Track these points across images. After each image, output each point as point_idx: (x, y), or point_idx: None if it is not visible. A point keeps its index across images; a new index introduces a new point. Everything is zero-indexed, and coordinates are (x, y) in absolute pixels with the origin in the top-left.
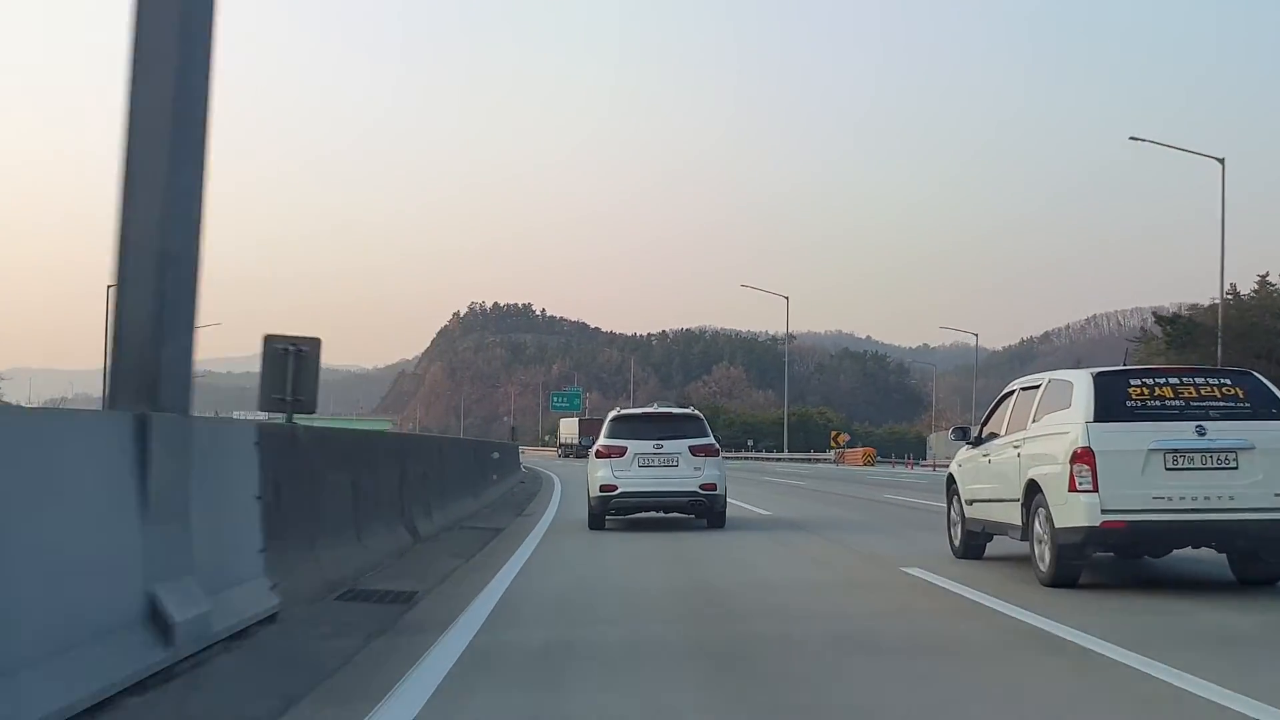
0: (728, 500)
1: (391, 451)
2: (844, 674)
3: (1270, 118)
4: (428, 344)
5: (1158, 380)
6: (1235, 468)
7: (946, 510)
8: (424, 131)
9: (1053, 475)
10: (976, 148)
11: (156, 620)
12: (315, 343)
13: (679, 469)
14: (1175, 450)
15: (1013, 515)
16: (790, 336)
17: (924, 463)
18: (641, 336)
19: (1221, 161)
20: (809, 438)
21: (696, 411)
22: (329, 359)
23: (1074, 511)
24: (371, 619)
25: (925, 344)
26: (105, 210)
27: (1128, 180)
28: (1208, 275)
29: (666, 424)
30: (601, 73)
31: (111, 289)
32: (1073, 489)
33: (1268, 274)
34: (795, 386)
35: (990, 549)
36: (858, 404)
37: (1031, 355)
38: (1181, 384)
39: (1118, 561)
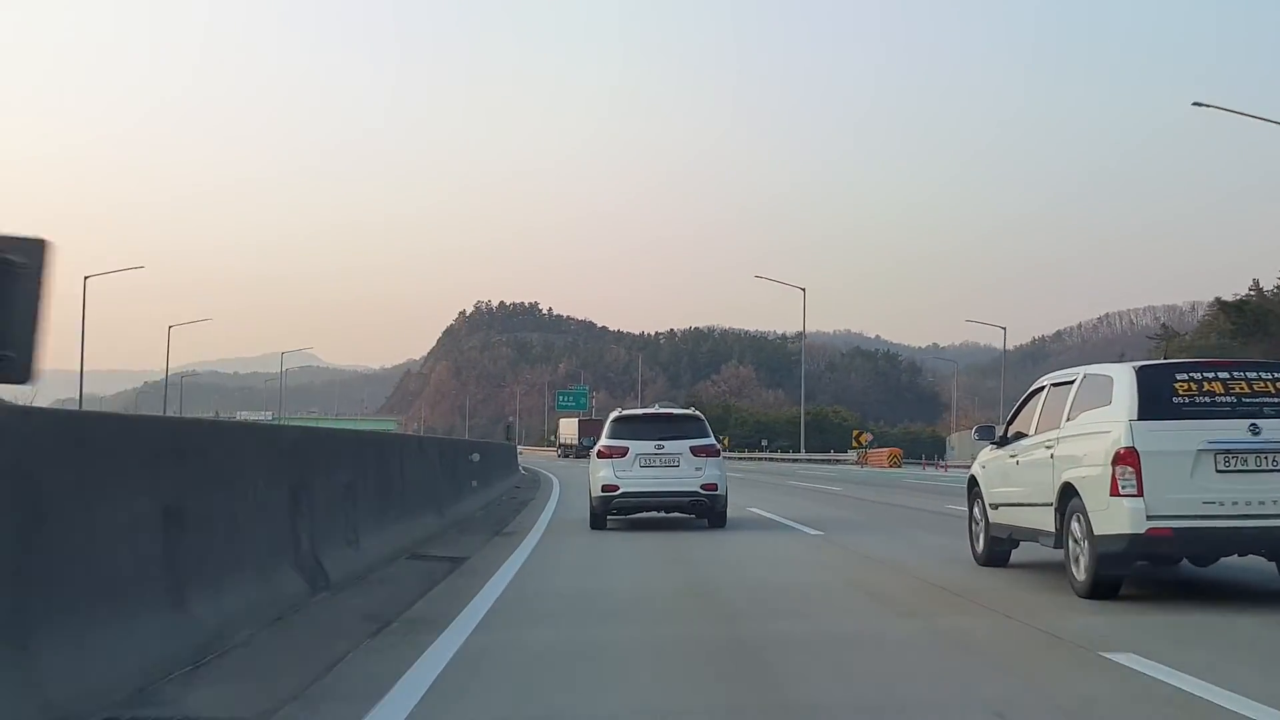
0: (760, 512)
1: (280, 453)
2: None
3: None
4: (434, 343)
5: (1206, 374)
6: None
7: (967, 514)
8: (429, 130)
9: (1091, 478)
10: (980, 147)
11: None
12: (36, 248)
13: (680, 469)
14: (1227, 450)
15: (1044, 521)
16: (803, 333)
17: (943, 463)
18: (649, 335)
19: None
20: (825, 437)
21: (697, 412)
22: (334, 359)
23: (1116, 517)
24: None
25: (935, 343)
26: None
27: (1139, 178)
28: (1216, 273)
29: (668, 424)
30: (608, 72)
31: (89, 279)
32: (1115, 493)
33: None
34: (807, 385)
35: (1016, 555)
36: (870, 403)
37: (1044, 354)
38: (1232, 378)
39: (1152, 569)
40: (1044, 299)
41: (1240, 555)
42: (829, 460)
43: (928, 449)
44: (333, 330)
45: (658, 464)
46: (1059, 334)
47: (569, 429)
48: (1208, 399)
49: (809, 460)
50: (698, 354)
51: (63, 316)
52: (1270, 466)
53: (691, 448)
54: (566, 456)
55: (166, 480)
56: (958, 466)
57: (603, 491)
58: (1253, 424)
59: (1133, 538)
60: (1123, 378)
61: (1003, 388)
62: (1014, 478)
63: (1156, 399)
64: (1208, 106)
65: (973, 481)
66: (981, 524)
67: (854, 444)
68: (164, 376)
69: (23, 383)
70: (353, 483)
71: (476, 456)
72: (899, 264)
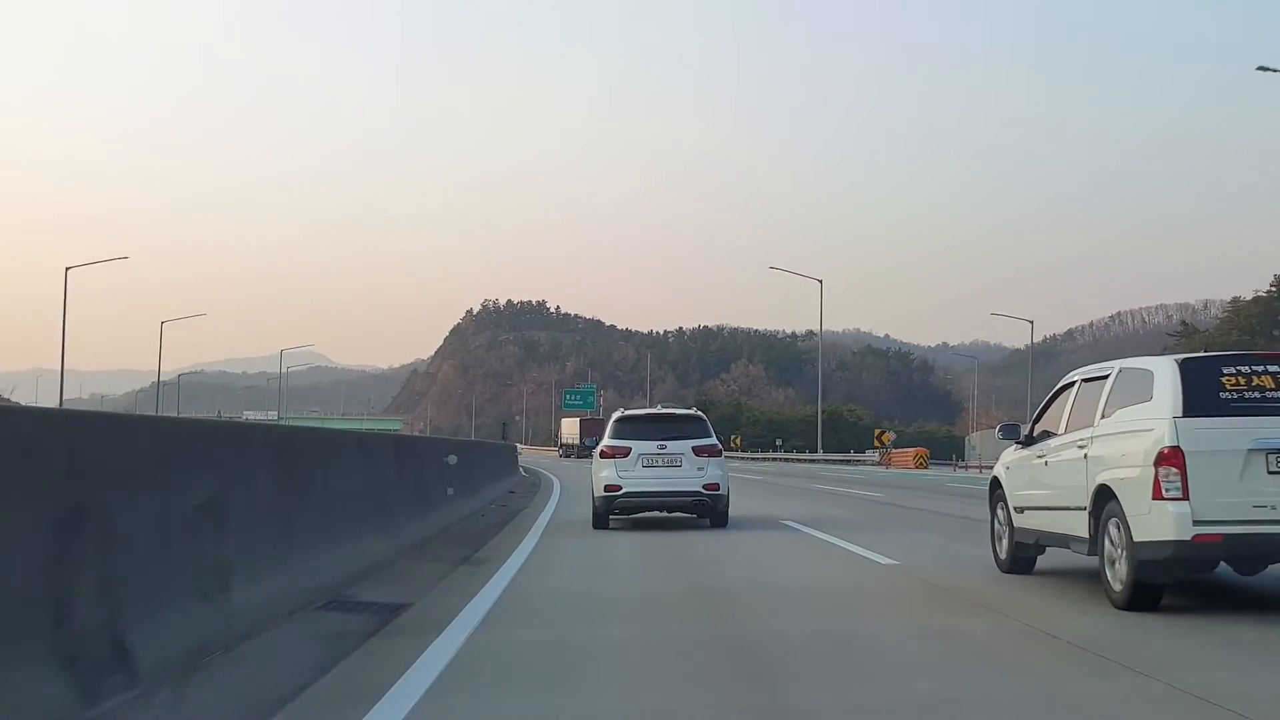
0: (798, 527)
1: (26, 463)
2: None
3: None
4: (441, 342)
5: (1255, 367)
6: None
7: (990, 518)
8: (435, 131)
9: (1131, 480)
10: (983, 146)
11: None
12: None
13: (682, 469)
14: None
15: (1076, 526)
16: (813, 331)
17: (966, 464)
18: (658, 334)
19: None
20: (840, 436)
21: (699, 412)
22: (342, 359)
23: (1160, 523)
24: None
25: (944, 342)
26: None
27: (1149, 175)
28: (1229, 271)
29: (670, 424)
30: (612, 72)
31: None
32: (1158, 496)
33: None
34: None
35: (1042, 562)
36: (882, 402)
37: (1055, 353)
38: None
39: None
40: (1055, 297)
41: None
42: (848, 461)
43: (943, 448)
44: (340, 330)
45: (660, 464)
46: (1070, 332)
47: (570, 428)
48: (1258, 394)
49: (827, 461)
50: (707, 352)
51: (70, 317)
52: None
53: (694, 448)
54: (568, 456)
55: None
56: (973, 468)
57: (605, 491)
58: None
59: (1178, 544)
60: (1165, 372)
61: (1030, 384)
62: (1042, 479)
63: (1202, 394)
64: (1273, 70)
65: (995, 483)
66: (1005, 528)
67: (875, 444)
68: (170, 376)
69: None
70: (219, 499)
71: (453, 459)
72: (907, 262)
